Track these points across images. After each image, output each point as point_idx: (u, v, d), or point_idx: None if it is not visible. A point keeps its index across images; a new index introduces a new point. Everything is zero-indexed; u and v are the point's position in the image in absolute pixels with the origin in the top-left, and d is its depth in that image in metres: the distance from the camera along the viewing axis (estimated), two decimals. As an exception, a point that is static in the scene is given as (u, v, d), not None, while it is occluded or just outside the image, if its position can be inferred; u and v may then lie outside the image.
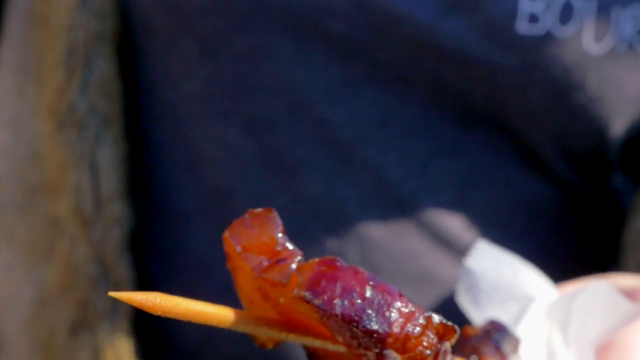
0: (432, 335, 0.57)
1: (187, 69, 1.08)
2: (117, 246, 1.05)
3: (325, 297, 0.56)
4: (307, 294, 0.56)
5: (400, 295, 0.56)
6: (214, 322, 0.56)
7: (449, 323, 0.57)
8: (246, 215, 0.59)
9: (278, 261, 0.58)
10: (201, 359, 1.08)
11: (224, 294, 1.08)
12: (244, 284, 0.59)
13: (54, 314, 1.06)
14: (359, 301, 0.56)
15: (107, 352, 1.03)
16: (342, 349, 0.61)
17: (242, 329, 0.57)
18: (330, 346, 0.62)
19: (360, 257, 1.04)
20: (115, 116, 1.08)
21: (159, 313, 0.54)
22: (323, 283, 0.56)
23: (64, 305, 1.05)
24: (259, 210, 0.59)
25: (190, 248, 1.08)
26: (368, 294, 0.56)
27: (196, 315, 0.55)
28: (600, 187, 1.08)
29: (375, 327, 0.55)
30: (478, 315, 0.79)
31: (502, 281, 0.79)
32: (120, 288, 1.04)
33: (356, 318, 0.55)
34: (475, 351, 0.73)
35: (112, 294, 0.51)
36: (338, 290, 0.56)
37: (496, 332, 0.74)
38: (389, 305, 0.56)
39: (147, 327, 1.08)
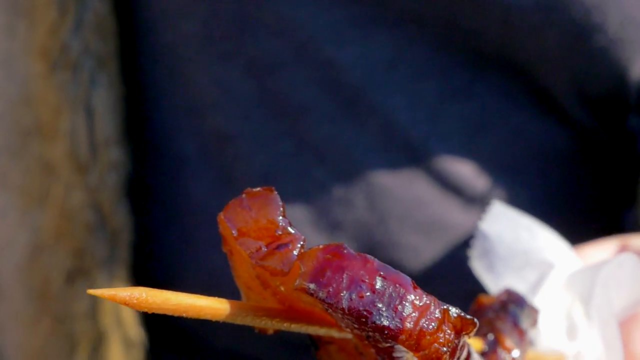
0: (449, 331, 0.50)
1: (186, 8, 1.01)
2: (114, 192, 0.99)
3: (331, 290, 0.49)
4: (310, 286, 0.49)
5: (415, 287, 0.50)
6: (207, 315, 0.50)
7: (468, 316, 0.51)
8: (243, 195, 0.52)
9: (278, 247, 0.51)
10: None
11: (226, 243, 1.02)
12: (241, 269, 0.52)
13: (50, 261, 1.00)
14: (368, 294, 0.49)
15: (105, 301, 0.97)
16: (348, 335, 0.54)
17: (239, 321, 0.51)
18: (335, 333, 0.55)
19: (367, 204, 0.98)
20: (110, 57, 1.02)
21: (145, 309, 0.47)
22: (328, 273, 0.49)
23: (60, 252, 1.00)
24: (257, 189, 0.52)
25: (191, 194, 1.02)
26: (378, 285, 0.49)
27: (188, 310, 0.49)
28: (616, 131, 1.02)
29: (386, 322, 0.48)
30: (493, 283, 0.72)
31: (519, 246, 0.72)
32: (118, 235, 0.99)
33: (365, 313, 0.48)
34: (492, 326, 0.67)
35: (91, 291, 0.44)
36: (345, 281, 0.49)
37: (513, 305, 0.68)
38: (402, 298, 0.49)
39: (146, 275, 1.02)
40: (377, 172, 0.99)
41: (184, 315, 0.49)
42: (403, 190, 0.99)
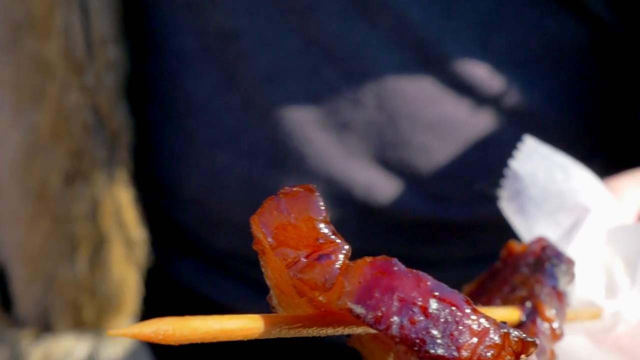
0: (508, 358, 0.43)
1: None
2: (112, 92, 0.92)
3: (379, 313, 0.42)
4: (356, 308, 0.43)
5: (474, 310, 0.42)
6: (240, 337, 0.42)
7: (529, 338, 0.44)
8: (280, 196, 0.44)
9: (320, 257, 0.44)
10: (203, 207, 0.97)
11: (229, 142, 0.94)
12: (274, 273, 0.45)
13: (47, 161, 0.93)
14: (421, 318, 0.42)
15: (105, 203, 0.92)
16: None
17: (274, 335, 0.43)
18: (373, 331, 0.48)
19: (376, 103, 0.91)
20: None
21: (173, 343, 0.39)
22: (376, 294, 0.42)
23: (57, 153, 0.93)
24: (296, 189, 0.44)
25: (192, 93, 0.94)
26: (432, 308, 0.42)
27: (218, 336, 0.42)
28: (635, 25, 0.94)
29: (441, 351, 0.42)
30: (525, 227, 0.66)
31: (553, 187, 0.65)
32: (117, 137, 0.93)
33: (418, 342, 0.41)
34: (528, 288, 0.60)
35: (111, 333, 0.37)
36: (395, 304, 0.42)
37: (550, 262, 0.61)
38: (458, 323, 0.42)
39: (147, 177, 0.95)
40: (387, 70, 0.92)
41: (216, 340, 0.42)
42: (414, 89, 0.92)
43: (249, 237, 0.96)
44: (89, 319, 0.97)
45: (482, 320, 0.43)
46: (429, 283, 0.43)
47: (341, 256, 0.44)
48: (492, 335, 0.43)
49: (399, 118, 0.92)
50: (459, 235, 0.98)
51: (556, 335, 0.58)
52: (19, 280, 1.01)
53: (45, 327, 0.99)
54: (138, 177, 0.97)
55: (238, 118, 0.94)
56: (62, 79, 0.92)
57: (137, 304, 0.99)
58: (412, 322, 0.42)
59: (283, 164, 0.94)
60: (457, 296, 0.43)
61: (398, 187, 0.94)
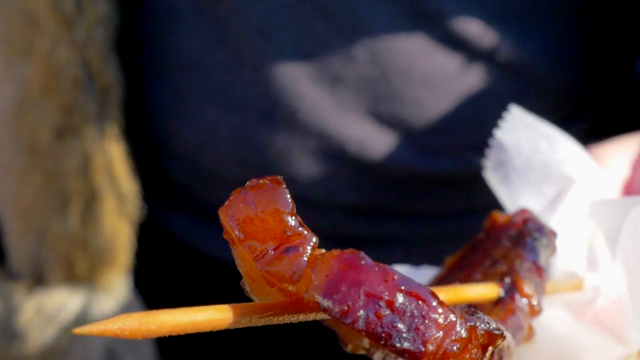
0: (475, 350, 0.43)
1: None
2: (102, 48, 0.91)
3: (345, 307, 0.42)
4: (323, 301, 0.43)
5: (441, 304, 0.43)
6: (209, 328, 0.43)
7: (496, 331, 0.44)
8: (247, 189, 0.44)
9: (287, 250, 0.44)
10: (195, 162, 0.97)
11: (220, 97, 0.94)
12: (245, 263, 0.45)
13: (37, 115, 0.94)
14: (387, 312, 0.42)
15: (96, 158, 0.92)
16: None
17: (244, 325, 0.44)
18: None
19: (369, 57, 0.90)
20: None
21: (140, 337, 0.40)
22: (343, 288, 0.43)
23: (48, 108, 0.93)
24: (262, 181, 0.44)
25: (183, 49, 0.94)
26: (399, 302, 0.43)
27: (186, 328, 0.42)
28: None
29: (406, 345, 0.42)
30: (509, 197, 0.66)
31: (538, 158, 0.65)
32: (108, 92, 0.93)
33: (384, 335, 0.42)
34: (508, 262, 0.61)
35: (77, 331, 0.37)
36: (362, 298, 0.42)
37: (531, 237, 0.61)
38: (424, 317, 0.43)
39: (138, 132, 0.95)
40: (379, 25, 0.91)
41: (184, 333, 0.42)
42: (406, 43, 0.91)
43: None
44: (81, 272, 0.98)
45: (449, 313, 0.43)
46: (395, 277, 0.43)
47: (309, 248, 0.45)
48: (458, 329, 0.43)
49: (391, 72, 0.92)
50: (452, 188, 0.98)
51: (534, 311, 0.58)
52: (12, 232, 1.02)
53: (39, 280, 1.00)
54: (129, 132, 0.97)
55: (229, 73, 0.94)
56: (51, 33, 0.92)
57: (129, 258, 1.00)
58: (378, 316, 0.42)
59: (274, 119, 0.94)
60: (424, 290, 0.43)
61: (391, 141, 0.94)
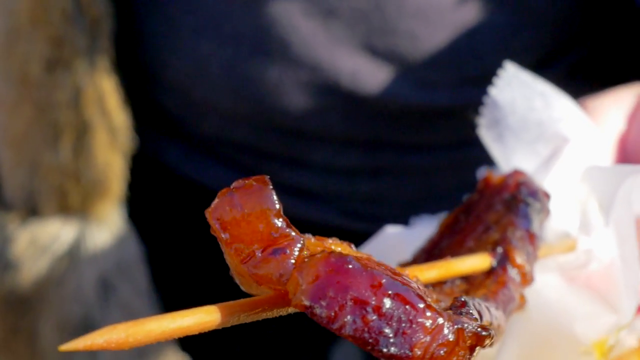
0: (462, 352, 0.44)
1: None
2: None
3: (332, 313, 0.42)
4: (309, 305, 0.43)
5: (428, 307, 0.43)
6: (198, 331, 0.43)
7: (483, 332, 0.44)
8: (233, 191, 0.43)
9: (274, 252, 0.44)
10: (187, 93, 0.97)
11: (213, 29, 0.93)
12: (233, 263, 0.45)
13: (27, 47, 0.93)
14: (374, 317, 0.43)
15: (87, 90, 0.91)
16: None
17: (233, 323, 0.44)
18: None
19: None
20: None
21: (128, 348, 0.40)
22: (330, 293, 0.43)
23: (37, 39, 0.92)
24: (249, 182, 0.44)
25: (174, -21, 0.91)
26: (386, 307, 0.43)
27: (174, 334, 0.42)
28: None
29: (393, 350, 0.43)
30: (503, 156, 0.65)
31: (532, 116, 0.64)
32: (98, 24, 0.92)
33: (371, 341, 0.42)
34: (500, 230, 0.60)
35: (62, 348, 0.38)
36: (349, 303, 0.43)
37: (524, 203, 0.61)
38: (412, 322, 0.43)
39: (130, 63, 0.94)
40: None
41: (173, 338, 0.42)
42: None
43: (233, 122, 0.96)
44: (74, 203, 0.98)
45: (437, 317, 0.43)
46: (383, 281, 0.43)
47: (296, 250, 0.44)
48: (445, 332, 0.43)
49: (386, 4, 0.90)
50: (447, 120, 0.97)
51: (526, 281, 0.58)
52: (5, 163, 1.01)
53: (32, 211, 1.00)
54: (121, 64, 0.96)
55: (222, 4, 0.92)
56: None
57: (122, 189, 1.00)
58: (365, 322, 0.42)
59: (267, 51, 0.92)
60: (412, 293, 0.43)
61: (385, 75, 0.93)
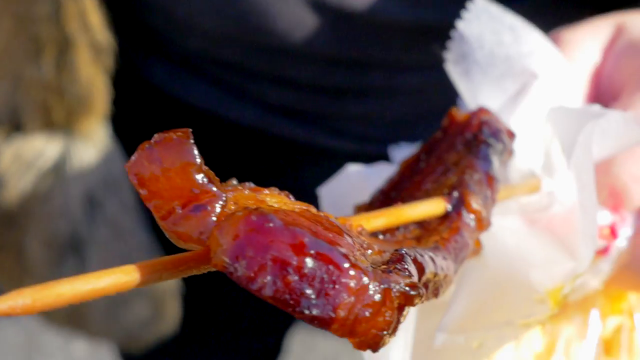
0: (389, 312, 0.42)
1: None
2: None
3: (252, 274, 0.40)
4: (229, 266, 0.41)
5: (354, 266, 0.41)
6: (114, 292, 0.41)
7: (412, 292, 0.43)
8: (152, 145, 0.41)
9: (195, 208, 0.42)
10: (171, 13, 0.95)
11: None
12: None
13: None
14: (295, 278, 0.41)
15: (68, 5, 0.90)
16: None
17: (155, 282, 0.42)
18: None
19: None
20: None
21: (37, 313, 0.39)
22: (249, 252, 0.41)
23: None
24: (169, 135, 0.41)
25: None
26: (308, 267, 0.41)
27: (88, 296, 0.41)
28: None
29: (315, 312, 0.41)
30: (469, 92, 0.63)
31: (500, 51, 0.62)
32: None
33: (292, 302, 0.41)
34: (459, 172, 0.58)
35: None
36: (269, 263, 0.41)
37: (484, 144, 0.59)
38: (335, 282, 0.41)
39: None
40: None
41: (88, 300, 0.41)
42: None
43: (218, 41, 0.94)
44: (59, 119, 0.96)
45: (362, 276, 0.42)
46: (305, 240, 0.41)
47: (217, 207, 0.43)
48: (370, 293, 0.42)
49: None
50: (436, 39, 0.94)
51: (482, 226, 0.56)
52: (-13, 77, 1.00)
53: (16, 126, 0.98)
54: None
55: None
56: None
57: (107, 106, 0.98)
58: (286, 283, 0.40)
59: None
60: (335, 253, 0.42)
61: None
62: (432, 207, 0.55)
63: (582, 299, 0.65)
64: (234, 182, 0.51)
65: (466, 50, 0.63)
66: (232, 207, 0.44)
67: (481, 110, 0.61)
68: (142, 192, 0.43)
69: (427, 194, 0.58)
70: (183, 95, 1.01)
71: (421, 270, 0.49)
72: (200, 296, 1.10)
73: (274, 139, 1.02)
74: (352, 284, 0.41)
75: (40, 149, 0.98)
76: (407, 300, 0.43)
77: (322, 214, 0.50)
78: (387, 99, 0.97)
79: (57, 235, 0.98)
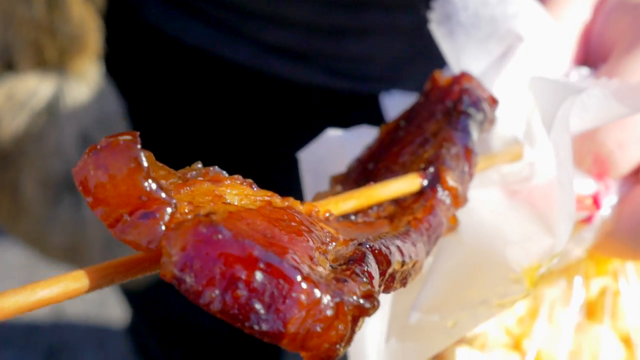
0: (341, 326, 0.41)
1: None
2: None
3: (200, 287, 0.39)
4: (177, 277, 0.39)
5: (305, 278, 0.39)
6: (65, 299, 0.40)
7: (367, 304, 0.41)
8: (98, 150, 0.40)
9: (143, 216, 0.40)
10: None
11: None
12: (105, 221, 0.41)
13: None
14: (244, 293, 0.39)
15: None
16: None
17: (108, 285, 0.41)
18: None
19: None
20: None
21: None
22: (197, 265, 0.39)
23: None
24: (115, 139, 0.40)
25: None
26: (257, 281, 0.39)
27: (36, 305, 0.40)
28: None
29: (265, 327, 0.40)
30: (453, 54, 0.60)
31: (485, 12, 0.59)
32: None
33: (241, 317, 0.39)
34: (437, 144, 0.56)
35: None
36: (217, 277, 0.39)
37: (464, 115, 0.56)
38: (285, 297, 0.40)
39: None
40: None
41: (35, 309, 0.39)
42: None
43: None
44: (51, 59, 0.94)
45: (313, 289, 0.40)
46: (255, 252, 0.39)
47: (166, 215, 0.41)
48: (322, 307, 0.40)
49: None
50: None
51: (458, 202, 0.54)
52: (-23, 15, 0.97)
53: (8, 65, 0.96)
54: None
55: None
56: None
57: (100, 45, 0.95)
58: (235, 297, 0.39)
59: None
60: (286, 265, 0.40)
61: None
62: (406, 184, 0.53)
63: (566, 265, 0.63)
64: (199, 165, 0.49)
65: (450, 11, 0.60)
66: (186, 209, 0.42)
67: (463, 76, 0.58)
68: (88, 199, 0.41)
69: (404, 167, 0.56)
70: (178, 34, 0.98)
71: (387, 263, 0.48)
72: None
73: (272, 80, 0.99)
74: (302, 298, 0.39)
75: (33, 88, 0.95)
76: (361, 312, 0.42)
77: (285, 203, 0.49)
78: (387, 39, 0.94)
79: (52, 174, 0.97)
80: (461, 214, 0.55)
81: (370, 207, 0.53)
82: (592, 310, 0.64)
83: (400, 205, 0.54)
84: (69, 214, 0.97)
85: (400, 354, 0.54)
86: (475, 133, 0.56)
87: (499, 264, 0.54)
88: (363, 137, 0.61)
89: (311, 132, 0.67)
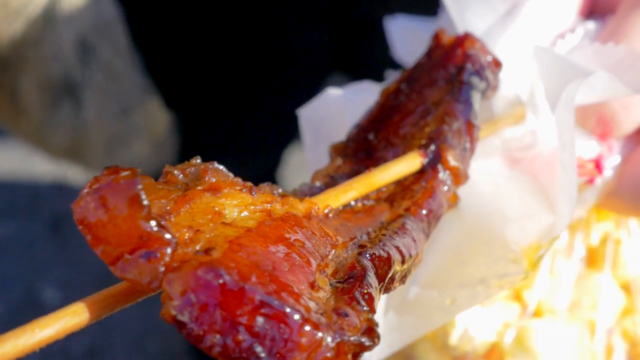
0: (342, 363, 0.40)
1: None
2: None
3: (200, 332, 0.38)
4: (178, 320, 0.39)
5: (306, 320, 0.39)
6: (66, 334, 0.40)
7: (367, 342, 0.41)
8: (98, 189, 0.39)
9: (144, 255, 0.40)
10: None
11: None
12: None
13: None
14: (246, 337, 0.39)
15: None
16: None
17: (109, 314, 0.41)
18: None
19: None
20: None
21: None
22: (197, 309, 0.39)
23: None
24: (116, 176, 0.39)
25: None
26: (259, 325, 0.39)
27: (37, 346, 0.39)
28: None
29: (266, 371, 0.39)
30: (457, 11, 0.57)
31: (490, -34, 0.55)
32: None
33: (241, 362, 0.39)
34: (438, 107, 0.54)
35: None
36: (218, 321, 0.39)
37: (467, 85, 0.54)
38: (287, 340, 0.39)
39: None
40: None
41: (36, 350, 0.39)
42: None
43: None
44: None
45: (315, 333, 0.39)
46: (257, 298, 0.39)
47: (167, 255, 0.39)
48: (323, 349, 0.40)
49: None
50: None
51: (459, 180, 0.53)
52: None
53: None
54: None
55: None
56: None
57: None
58: (236, 342, 0.38)
59: None
60: (286, 308, 0.39)
61: None
62: (406, 166, 0.52)
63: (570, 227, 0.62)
64: (198, 160, 0.48)
65: (455, -34, 0.57)
66: (186, 236, 0.41)
67: (467, 38, 0.56)
68: (88, 237, 0.40)
69: (405, 140, 0.54)
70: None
71: (388, 266, 0.47)
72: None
73: None
74: (304, 340, 0.39)
75: None
76: (361, 349, 0.41)
77: (286, 206, 0.47)
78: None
79: (51, 78, 0.94)
80: (462, 187, 0.53)
81: (371, 190, 0.52)
82: (592, 259, 0.64)
83: (401, 184, 0.52)
84: (70, 117, 0.95)
85: (397, 328, 0.54)
86: (477, 103, 0.54)
87: (498, 242, 0.53)
88: (364, 94, 0.59)
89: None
